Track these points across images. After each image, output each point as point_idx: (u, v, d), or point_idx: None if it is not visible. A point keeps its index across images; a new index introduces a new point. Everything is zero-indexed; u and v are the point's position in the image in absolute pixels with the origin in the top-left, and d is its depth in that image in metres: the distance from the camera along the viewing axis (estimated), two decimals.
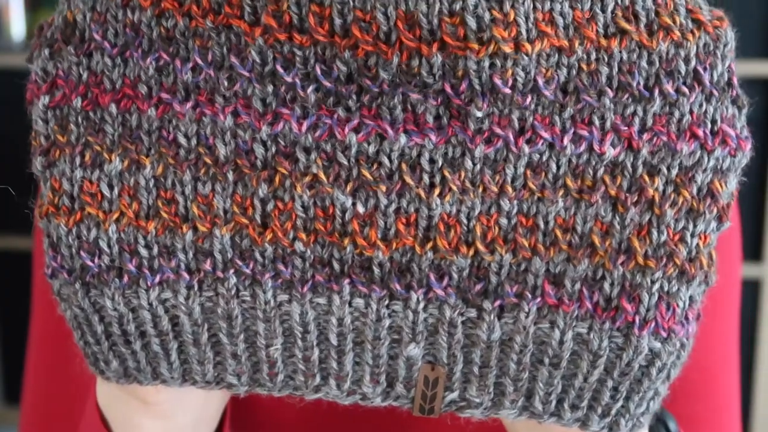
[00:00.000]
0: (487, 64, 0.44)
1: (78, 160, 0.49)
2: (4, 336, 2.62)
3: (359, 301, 0.48)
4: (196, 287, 0.49)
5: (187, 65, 0.47)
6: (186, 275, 0.49)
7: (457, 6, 0.42)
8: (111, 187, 0.49)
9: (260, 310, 0.49)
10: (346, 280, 0.48)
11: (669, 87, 0.45)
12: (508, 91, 0.44)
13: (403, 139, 0.46)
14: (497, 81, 0.44)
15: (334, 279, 0.48)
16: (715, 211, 0.46)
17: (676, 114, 0.45)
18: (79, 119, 0.49)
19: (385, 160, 0.46)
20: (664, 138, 0.45)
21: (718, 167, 0.46)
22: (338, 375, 0.50)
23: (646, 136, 0.45)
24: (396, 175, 0.46)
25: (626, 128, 0.45)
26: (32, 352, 0.76)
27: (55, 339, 0.72)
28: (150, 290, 0.49)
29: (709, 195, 0.46)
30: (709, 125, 0.46)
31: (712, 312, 0.64)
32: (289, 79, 0.46)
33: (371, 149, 0.46)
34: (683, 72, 0.45)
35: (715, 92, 0.46)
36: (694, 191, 0.46)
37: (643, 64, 0.45)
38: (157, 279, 0.49)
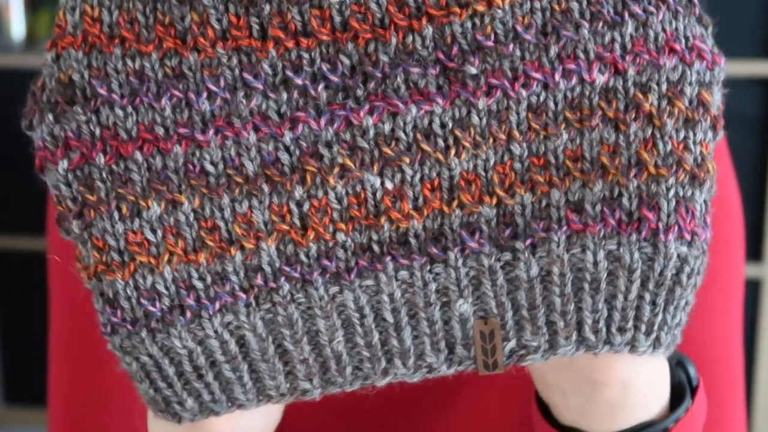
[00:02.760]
0: (469, 24, 0.48)
1: (116, 214, 0.50)
2: (4, 336, 2.62)
3: (404, 273, 0.51)
4: (253, 303, 0.51)
5: (201, 96, 0.49)
6: (242, 295, 0.51)
7: None
8: (154, 231, 0.50)
9: (317, 308, 0.51)
10: (388, 258, 0.50)
11: (637, 8, 0.48)
12: (491, 44, 0.48)
13: (413, 109, 0.49)
14: (480, 37, 0.48)
15: (377, 260, 0.50)
16: (708, 119, 0.49)
17: (651, 33, 0.49)
18: (104, 175, 0.50)
19: (402, 135, 0.49)
20: (646, 56, 0.49)
21: (701, 80, 0.49)
22: (401, 352, 0.52)
23: (629, 58, 0.49)
24: (414, 146, 0.49)
25: (609, 54, 0.49)
26: (55, 361, 0.75)
27: (78, 344, 0.72)
28: (213, 318, 0.51)
29: (701, 105, 0.49)
30: (683, 41, 0.49)
31: (714, 307, 0.65)
32: (299, 82, 0.49)
33: (387, 128, 0.49)
34: None
35: (681, 9, 0.49)
36: (686, 102, 0.49)
37: None
38: (217, 306, 0.51)
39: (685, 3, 0.49)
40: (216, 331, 0.51)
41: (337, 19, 0.48)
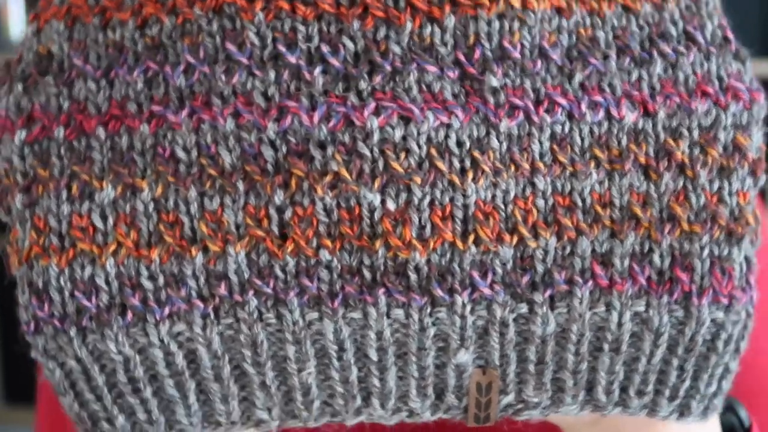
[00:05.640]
0: (497, 26, 0.43)
1: (64, 193, 0.45)
2: (4, 336, 2.62)
3: (398, 312, 0.44)
4: (212, 315, 0.44)
5: (178, 69, 0.44)
6: (200, 303, 0.44)
7: None
8: (104, 217, 0.44)
9: (288, 333, 0.45)
10: (381, 290, 0.44)
11: (666, 48, 0.45)
12: (518, 55, 0.43)
13: (431, 118, 0.43)
14: (507, 45, 0.43)
15: (367, 289, 0.44)
16: (746, 166, 0.45)
17: (681, 75, 0.45)
18: (62, 150, 0.45)
19: (414, 146, 0.43)
20: (677, 99, 0.45)
21: (737, 122, 0.45)
22: (381, 393, 0.46)
23: (659, 99, 0.45)
24: (427, 163, 0.43)
25: (637, 93, 0.45)
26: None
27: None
28: (159, 325, 0.45)
29: (737, 151, 0.45)
30: (717, 83, 0.45)
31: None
32: (293, 60, 0.43)
33: (397, 135, 0.43)
34: (675, 34, 0.45)
35: (713, 50, 0.46)
36: (721, 149, 0.45)
37: (634, 28, 0.45)
38: (167, 311, 0.45)
39: (719, 42, 0.46)
40: (162, 340, 0.45)
41: None
